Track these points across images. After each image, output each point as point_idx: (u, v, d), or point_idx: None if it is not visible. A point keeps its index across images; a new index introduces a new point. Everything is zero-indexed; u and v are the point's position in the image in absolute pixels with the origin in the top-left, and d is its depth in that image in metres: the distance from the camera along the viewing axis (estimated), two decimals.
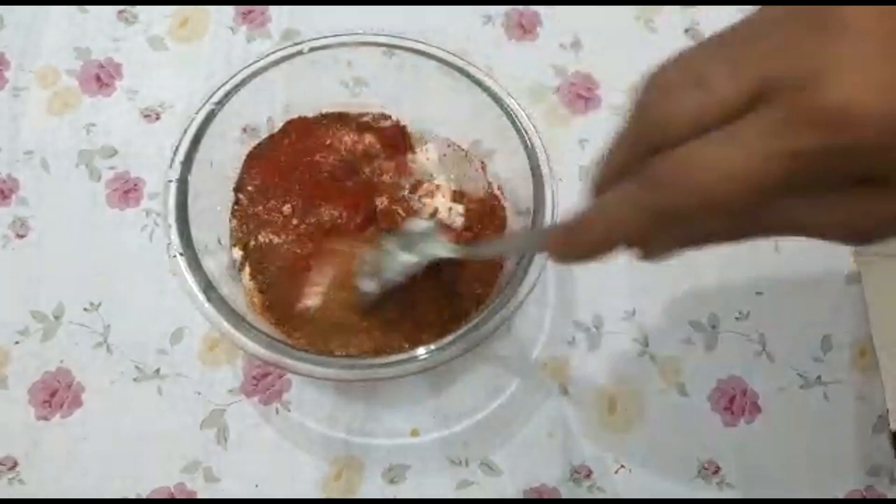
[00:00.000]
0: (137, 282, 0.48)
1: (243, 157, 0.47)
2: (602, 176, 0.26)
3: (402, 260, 0.40)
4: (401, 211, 0.45)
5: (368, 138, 0.47)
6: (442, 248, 0.40)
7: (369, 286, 0.41)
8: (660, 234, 0.24)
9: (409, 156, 0.48)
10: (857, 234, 0.24)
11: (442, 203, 0.46)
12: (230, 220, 0.46)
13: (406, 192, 0.46)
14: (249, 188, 0.46)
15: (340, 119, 0.48)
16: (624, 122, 0.25)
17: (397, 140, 0.48)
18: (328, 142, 0.47)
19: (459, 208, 0.46)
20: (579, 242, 0.25)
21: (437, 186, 0.46)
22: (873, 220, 0.23)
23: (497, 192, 0.47)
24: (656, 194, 0.22)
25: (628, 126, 0.25)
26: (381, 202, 0.46)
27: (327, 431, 0.46)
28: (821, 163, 0.21)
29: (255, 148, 0.47)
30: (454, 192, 0.47)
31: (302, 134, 0.47)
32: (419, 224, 0.42)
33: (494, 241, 0.46)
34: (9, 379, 0.46)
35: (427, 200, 0.46)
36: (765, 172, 0.21)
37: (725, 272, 0.50)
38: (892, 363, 0.47)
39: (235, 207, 0.46)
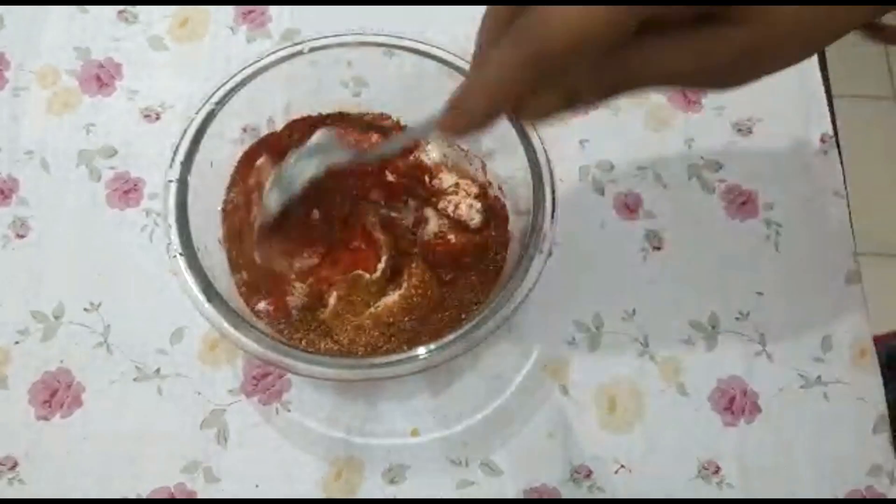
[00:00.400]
0: (137, 282, 0.48)
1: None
2: (478, 47, 0.29)
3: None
4: (430, 211, 0.46)
5: (374, 136, 0.47)
6: (343, 154, 0.40)
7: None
8: (535, 91, 0.27)
9: (411, 157, 0.48)
10: (711, 76, 0.27)
11: (465, 200, 0.46)
12: (224, 219, 0.46)
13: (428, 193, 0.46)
14: (251, 182, 0.46)
15: (342, 119, 0.48)
16: None
17: None
18: None
19: (478, 205, 0.46)
20: (466, 112, 0.28)
21: (457, 184, 0.46)
22: (719, 56, 0.26)
23: (497, 193, 0.47)
24: (524, 44, 0.24)
25: None
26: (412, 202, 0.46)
27: (327, 431, 0.46)
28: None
29: (252, 146, 0.47)
30: (479, 185, 0.47)
31: (305, 133, 0.47)
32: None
33: (392, 138, 0.46)
34: (9, 379, 0.46)
35: (452, 198, 0.46)
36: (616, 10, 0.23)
37: (725, 272, 0.50)
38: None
39: (229, 206, 0.46)
